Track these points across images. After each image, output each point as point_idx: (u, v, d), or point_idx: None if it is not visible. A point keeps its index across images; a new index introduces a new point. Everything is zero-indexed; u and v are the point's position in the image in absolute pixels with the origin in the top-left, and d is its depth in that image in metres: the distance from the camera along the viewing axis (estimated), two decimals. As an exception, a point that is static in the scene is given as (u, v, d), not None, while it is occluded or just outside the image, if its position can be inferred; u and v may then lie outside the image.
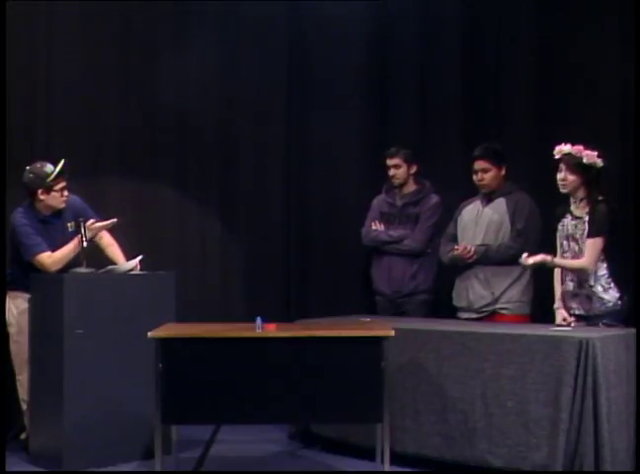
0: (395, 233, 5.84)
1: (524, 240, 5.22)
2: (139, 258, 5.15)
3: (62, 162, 5.13)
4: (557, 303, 4.84)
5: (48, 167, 5.13)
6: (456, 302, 5.49)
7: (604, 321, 4.64)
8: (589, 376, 4.10)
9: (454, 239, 5.50)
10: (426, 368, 4.62)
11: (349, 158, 6.67)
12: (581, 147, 4.70)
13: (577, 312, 4.73)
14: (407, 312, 5.78)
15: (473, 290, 5.37)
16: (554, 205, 4.90)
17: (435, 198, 5.88)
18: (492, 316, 5.32)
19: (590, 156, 4.68)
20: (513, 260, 5.15)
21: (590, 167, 4.68)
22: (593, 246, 4.63)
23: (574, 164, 4.70)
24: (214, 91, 6.59)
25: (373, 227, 5.91)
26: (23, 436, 5.21)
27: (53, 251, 5.11)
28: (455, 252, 5.36)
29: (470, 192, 5.60)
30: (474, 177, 5.42)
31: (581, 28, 5.81)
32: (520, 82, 6.14)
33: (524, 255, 4.77)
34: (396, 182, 5.90)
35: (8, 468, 4.64)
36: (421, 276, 5.82)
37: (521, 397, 4.30)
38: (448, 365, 4.55)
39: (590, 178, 4.69)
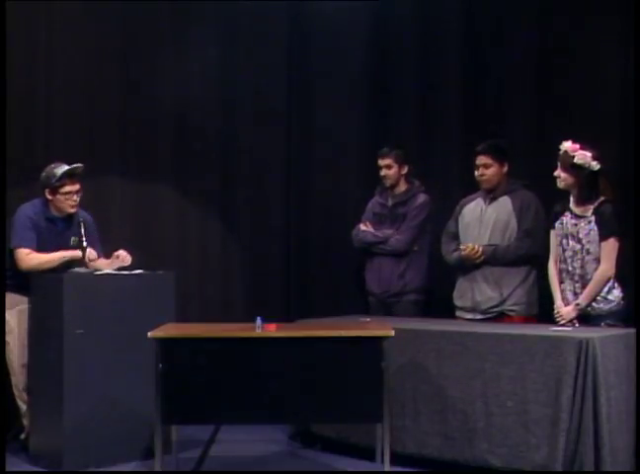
0: (381, 233, 5.84)
1: (532, 240, 5.14)
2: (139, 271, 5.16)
3: (72, 166, 5.04)
4: (559, 303, 4.80)
5: (61, 168, 5.06)
6: (459, 302, 5.37)
7: (607, 321, 4.65)
8: (589, 376, 4.10)
9: (456, 237, 5.42)
10: (426, 368, 4.62)
11: (349, 158, 6.67)
12: (577, 146, 4.68)
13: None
14: (396, 312, 5.73)
15: (480, 291, 5.26)
16: (554, 205, 4.91)
17: (422, 198, 5.84)
18: (499, 318, 5.21)
19: (582, 156, 4.64)
20: (521, 260, 5.15)
21: (582, 167, 4.65)
22: (607, 248, 4.62)
23: (567, 162, 4.69)
24: (214, 91, 6.59)
25: (363, 228, 5.91)
26: (23, 437, 5.21)
27: (40, 251, 5.05)
28: (463, 252, 5.27)
29: (470, 191, 5.58)
30: (475, 172, 5.36)
31: (581, 28, 5.81)
32: (520, 82, 6.13)
33: (562, 321, 4.70)
34: (387, 182, 5.89)
35: (8, 468, 4.64)
36: (409, 276, 5.77)
37: (521, 397, 4.30)
38: (448, 365, 4.54)
39: (582, 179, 4.66)
